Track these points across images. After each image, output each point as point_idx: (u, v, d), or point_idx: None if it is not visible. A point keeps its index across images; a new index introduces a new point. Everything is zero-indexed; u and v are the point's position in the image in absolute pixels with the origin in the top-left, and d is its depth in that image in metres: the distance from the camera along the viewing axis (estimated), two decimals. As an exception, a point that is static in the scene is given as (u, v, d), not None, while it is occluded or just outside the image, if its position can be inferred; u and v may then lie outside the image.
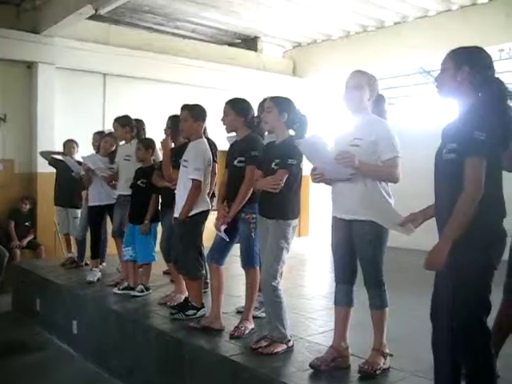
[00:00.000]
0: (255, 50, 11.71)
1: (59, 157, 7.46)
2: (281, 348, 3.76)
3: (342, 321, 3.51)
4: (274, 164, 3.73)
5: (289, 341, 3.83)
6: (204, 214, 4.59)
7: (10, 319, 6.97)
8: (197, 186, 4.50)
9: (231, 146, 4.36)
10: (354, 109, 3.43)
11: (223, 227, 4.14)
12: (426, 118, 13.28)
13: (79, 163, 6.90)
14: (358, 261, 3.41)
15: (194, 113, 4.66)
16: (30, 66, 9.09)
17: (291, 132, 3.90)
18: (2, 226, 8.77)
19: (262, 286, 3.87)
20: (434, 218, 2.82)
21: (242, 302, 4.43)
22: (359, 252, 3.37)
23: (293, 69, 12.29)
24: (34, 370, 5.18)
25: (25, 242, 8.88)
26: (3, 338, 6.15)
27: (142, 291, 5.50)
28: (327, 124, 9.62)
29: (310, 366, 3.44)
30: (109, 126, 6.49)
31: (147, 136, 6.07)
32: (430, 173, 2.79)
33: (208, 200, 4.66)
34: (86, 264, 7.00)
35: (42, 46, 8.94)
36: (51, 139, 8.68)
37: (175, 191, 4.72)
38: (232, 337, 4.10)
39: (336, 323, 3.55)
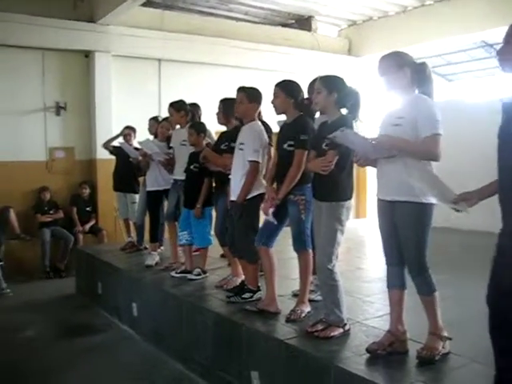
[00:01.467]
0: (309, 29, 11.56)
1: (117, 143, 7.60)
2: (337, 332, 3.71)
3: (397, 304, 3.42)
4: (324, 145, 3.66)
5: (345, 324, 3.78)
6: (261, 197, 4.56)
7: (75, 302, 7.21)
8: (255, 168, 4.47)
9: (281, 128, 4.32)
10: (395, 90, 3.33)
11: (271, 210, 4.11)
12: (487, 93, 12.78)
13: (137, 149, 7.02)
14: (401, 244, 3.30)
15: (250, 95, 4.62)
16: (88, 55, 9.31)
17: (344, 111, 3.81)
18: (65, 212, 9.07)
19: (318, 270, 3.83)
20: (490, 198, 2.68)
21: (298, 285, 4.39)
22: (401, 234, 3.27)
23: (348, 48, 12.07)
24: (98, 350, 5.36)
25: (87, 227, 9.16)
26: (68, 319, 6.40)
27: (199, 274, 5.55)
28: (384, 104, 9.40)
29: (367, 350, 3.39)
30: (164, 112, 6.55)
31: (202, 120, 6.08)
32: (489, 149, 2.64)
33: (264, 182, 4.62)
34: (145, 248, 7.14)
35: (98, 35, 9.12)
36: (109, 126, 8.87)
37: (229, 175, 4.71)
38: (288, 320, 4.08)
39: (391, 307, 3.47)
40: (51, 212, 8.91)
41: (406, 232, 3.24)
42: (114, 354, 5.25)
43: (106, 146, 7.73)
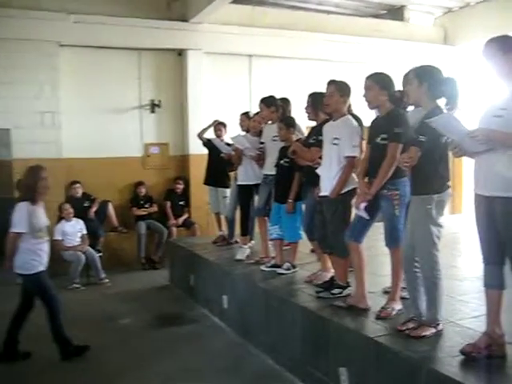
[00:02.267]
0: (401, 19, 11.23)
1: (208, 136, 7.74)
2: (429, 331, 3.59)
3: (494, 305, 3.23)
4: (408, 140, 3.56)
5: (438, 324, 3.64)
6: (353, 192, 4.49)
7: (168, 293, 7.47)
8: (352, 164, 4.42)
9: (373, 122, 4.22)
10: (500, 77, 3.13)
11: (363, 205, 4.03)
12: None
13: (228, 144, 7.13)
14: (502, 243, 3.11)
15: (341, 88, 4.56)
16: (181, 53, 9.57)
17: (442, 102, 3.63)
18: (159, 206, 9.39)
19: (405, 266, 3.72)
20: None
21: (388, 282, 4.29)
22: (502, 232, 3.08)
23: (443, 37, 11.59)
24: (188, 340, 5.51)
25: (180, 220, 9.43)
26: (162, 309, 6.63)
27: (289, 269, 5.56)
28: (482, 94, 8.96)
29: (461, 352, 3.24)
30: (255, 107, 6.60)
31: (293, 115, 6.06)
32: None
33: (356, 177, 4.54)
34: (236, 242, 7.24)
35: (191, 33, 9.34)
36: (201, 122, 9.05)
37: (316, 170, 4.68)
38: (378, 317, 4.00)
39: (488, 307, 3.29)
40: (146, 206, 9.26)
41: (508, 231, 3.05)
42: (204, 344, 5.38)
43: (200, 136, 7.84)
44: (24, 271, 4.92)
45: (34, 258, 4.90)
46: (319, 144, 4.73)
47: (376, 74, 4.15)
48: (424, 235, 3.55)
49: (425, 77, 3.60)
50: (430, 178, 3.55)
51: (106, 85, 9.09)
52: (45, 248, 5.04)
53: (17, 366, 4.91)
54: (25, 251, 4.87)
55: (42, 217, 4.99)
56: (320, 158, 4.75)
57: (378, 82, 4.06)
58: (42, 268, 4.98)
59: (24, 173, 5.07)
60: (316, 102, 5.04)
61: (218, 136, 7.60)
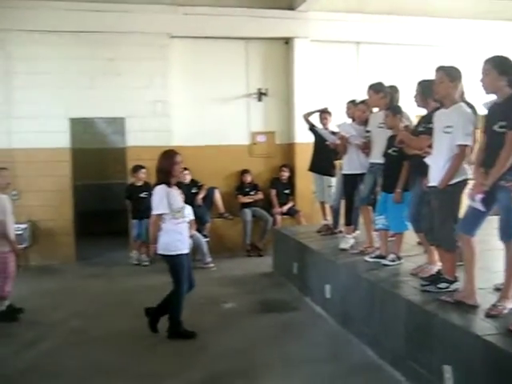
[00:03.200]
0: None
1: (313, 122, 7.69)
2: (545, 333, 3.36)
3: None
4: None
5: (554, 326, 3.40)
6: (464, 183, 4.28)
7: (271, 279, 7.56)
8: (463, 153, 4.21)
9: (490, 109, 3.98)
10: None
11: (480, 196, 3.82)
12: None
13: (333, 133, 7.05)
14: None
15: (450, 74, 4.34)
16: (288, 42, 9.58)
17: None
18: (265, 194, 9.50)
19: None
20: None
21: (501, 279, 4.06)
22: None
23: None
24: (290, 327, 5.55)
25: (285, 208, 9.49)
26: (265, 296, 6.72)
27: (393, 260, 5.43)
28: None
29: None
30: (362, 94, 6.47)
31: (401, 103, 5.88)
32: None
33: (467, 168, 4.33)
34: (340, 231, 7.18)
35: (298, 22, 9.33)
36: (307, 110, 9.02)
37: (425, 159, 4.51)
38: (488, 315, 3.79)
39: None
40: (252, 193, 9.40)
41: None
42: (305, 332, 5.39)
43: (306, 117, 7.76)
44: (167, 252, 5.17)
45: (178, 238, 5.17)
46: (429, 132, 4.54)
47: (495, 57, 3.90)
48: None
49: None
50: None
51: (214, 74, 9.32)
52: (185, 228, 5.31)
53: (135, 339, 5.26)
54: (167, 232, 5.14)
55: (178, 198, 5.25)
56: (429, 146, 4.57)
57: (496, 67, 3.82)
58: (184, 250, 5.24)
59: (159, 157, 5.31)
60: (425, 90, 4.85)
61: (324, 124, 7.54)
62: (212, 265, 8.20)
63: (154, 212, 5.12)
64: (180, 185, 8.61)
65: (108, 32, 8.69)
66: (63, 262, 8.66)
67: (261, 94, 9.54)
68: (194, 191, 8.95)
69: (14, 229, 6.17)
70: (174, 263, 5.19)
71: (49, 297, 6.77)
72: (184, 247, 5.22)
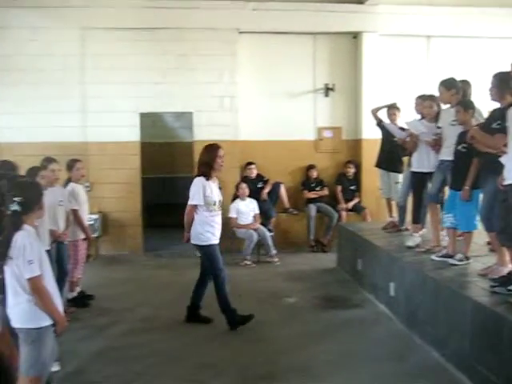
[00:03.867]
0: None
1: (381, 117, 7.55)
2: None
3: None
4: None
5: None
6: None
7: (335, 275, 7.52)
8: None
9: None
10: None
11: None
12: None
13: (402, 129, 6.92)
14: None
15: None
16: (356, 36, 9.47)
17: None
18: (330, 190, 9.44)
19: None
20: None
21: None
22: None
23: None
24: (353, 324, 5.51)
25: (350, 204, 9.40)
26: (327, 292, 6.70)
27: (461, 260, 5.27)
28: None
29: None
30: (432, 90, 6.31)
31: (474, 98, 5.69)
32: None
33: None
34: (406, 229, 7.04)
35: (367, 16, 9.21)
36: (375, 106, 8.90)
37: (500, 158, 4.34)
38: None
39: None
40: (317, 189, 9.37)
41: None
42: (368, 330, 5.33)
43: (374, 112, 7.61)
44: (199, 242, 5.35)
45: (208, 229, 5.32)
46: (504, 130, 4.36)
47: None
48: None
49: None
50: None
51: (280, 69, 9.34)
52: (218, 221, 5.43)
53: (198, 329, 5.40)
54: (200, 223, 5.32)
55: (214, 191, 5.38)
56: (504, 145, 4.39)
57: None
58: (215, 241, 5.37)
59: (202, 150, 5.49)
60: (502, 83, 4.64)
61: (392, 120, 7.39)
62: (276, 259, 8.25)
63: (190, 202, 5.32)
64: (246, 179, 8.80)
65: (179, 28, 8.91)
66: (131, 252, 8.94)
67: (328, 89, 9.48)
68: (259, 186, 9.02)
69: (87, 218, 6.45)
70: (205, 252, 5.39)
71: (118, 285, 7.00)
72: (215, 238, 5.38)
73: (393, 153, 7.29)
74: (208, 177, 5.33)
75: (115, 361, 4.68)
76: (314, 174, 9.43)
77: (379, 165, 7.61)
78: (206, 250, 5.38)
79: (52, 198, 5.37)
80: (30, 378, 3.11)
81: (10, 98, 8.83)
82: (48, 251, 5.10)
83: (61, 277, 5.53)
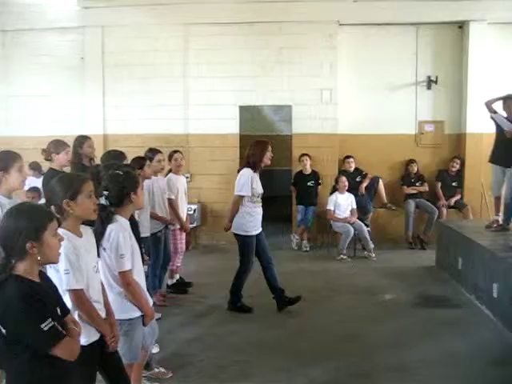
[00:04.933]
0: None
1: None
2: None
3: None
4: None
5: None
6: None
7: (433, 274, 7.28)
8: None
9: None
10: None
11: None
12: None
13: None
14: None
15: None
16: (462, 26, 9.07)
17: None
18: (430, 185, 9.14)
19: None
20: None
21: None
22: None
23: None
24: (452, 324, 5.31)
25: (452, 201, 9.06)
26: (425, 290, 6.50)
27: None
28: None
29: None
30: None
31: None
32: None
33: None
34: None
35: (474, 3, 8.81)
36: (482, 99, 8.50)
37: None
38: None
39: None
40: (417, 184, 9.10)
41: None
42: (468, 332, 5.12)
43: (488, 105, 7.16)
44: (239, 231, 5.58)
45: (251, 220, 5.54)
46: None
47: None
48: None
49: None
50: None
51: (381, 61, 9.14)
52: (260, 212, 5.67)
53: (292, 320, 5.44)
54: (244, 214, 5.54)
55: (259, 184, 5.62)
56: None
57: None
58: (255, 231, 5.58)
59: (251, 144, 5.73)
60: None
61: (508, 113, 6.94)
62: (373, 255, 8.13)
63: (237, 193, 5.53)
64: (344, 173, 8.70)
65: (279, 22, 8.96)
66: (229, 242, 9.11)
67: (430, 82, 9.15)
68: (357, 180, 8.91)
69: (186, 208, 6.66)
70: (243, 242, 5.60)
71: (215, 274, 7.19)
72: (256, 229, 5.59)
73: (505, 146, 6.83)
74: (256, 169, 5.55)
75: (211, 346, 4.83)
76: (415, 168, 9.14)
77: (493, 160, 7.12)
78: (244, 240, 5.60)
79: (158, 187, 5.70)
80: (126, 364, 3.25)
81: (117, 92, 9.33)
82: (153, 235, 5.43)
83: (164, 262, 5.82)
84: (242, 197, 5.52)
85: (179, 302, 6.04)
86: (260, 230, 5.68)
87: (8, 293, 2.11)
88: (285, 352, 4.68)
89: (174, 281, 6.53)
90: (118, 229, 3.16)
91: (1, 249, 2.18)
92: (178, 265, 6.56)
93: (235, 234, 5.65)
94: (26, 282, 2.17)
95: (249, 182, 5.47)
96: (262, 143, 5.68)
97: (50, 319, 2.13)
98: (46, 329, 2.10)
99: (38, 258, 2.21)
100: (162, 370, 4.22)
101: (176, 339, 4.95)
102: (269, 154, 5.59)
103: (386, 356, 4.59)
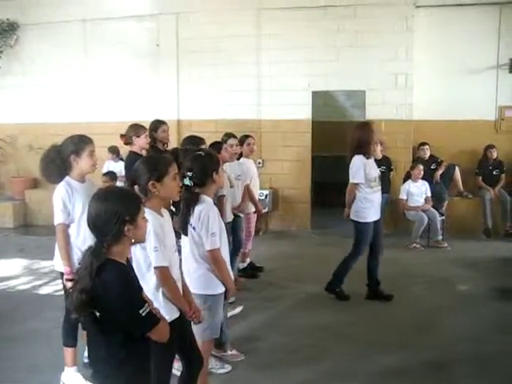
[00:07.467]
0: None
1: None
2: None
3: None
4: None
5: None
6: None
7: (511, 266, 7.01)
8: None
9: None
10: None
11: None
12: None
13: None
14: None
15: None
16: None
17: None
18: (510, 174, 8.77)
19: None
20: None
21: None
22: None
23: None
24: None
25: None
26: (503, 282, 6.27)
27: None
28: None
29: None
30: None
31: None
32: None
33: None
34: None
35: None
36: None
37: None
38: None
39: None
40: (495, 173, 8.73)
41: None
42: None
43: None
44: (357, 218, 5.48)
45: (368, 206, 5.42)
46: None
47: None
48: None
49: None
50: None
51: (460, 44, 8.78)
52: (378, 196, 5.54)
53: (364, 307, 5.39)
54: (361, 200, 5.44)
55: (373, 167, 5.48)
56: None
57: None
58: (373, 219, 5.44)
59: (355, 129, 5.57)
60: None
61: None
62: (445, 244, 7.89)
63: (351, 181, 5.43)
64: (418, 160, 8.47)
65: (353, 5, 8.77)
66: (299, 228, 9.13)
67: (512, 65, 8.73)
68: (432, 167, 8.64)
69: (258, 193, 6.70)
70: (359, 229, 5.50)
71: (285, 259, 7.22)
72: (373, 216, 5.45)
73: None
74: (368, 155, 5.41)
75: (282, 331, 4.86)
76: (494, 154, 8.70)
77: None
78: (360, 227, 5.49)
79: (231, 172, 5.72)
80: (204, 340, 3.35)
81: (191, 78, 9.47)
82: (229, 223, 5.50)
83: (235, 248, 5.88)
84: (357, 184, 5.46)
85: (250, 286, 6.09)
86: (378, 216, 5.57)
87: (108, 277, 2.14)
88: (359, 339, 4.66)
89: (245, 265, 6.59)
90: (208, 208, 3.26)
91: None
92: (249, 248, 6.62)
93: (352, 221, 5.59)
94: (123, 267, 2.23)
95: (361, 169, 5.37)
96: (366, 127, 5.54)
97: (146, 304, 2.19)
98: (144, 314, 2.16)
99: (132, 240, 2.28)
100: (235, 352, 4.29)
101: (247, 323, 5.01)
102: (376, 136, 5.53)
103: (461, 347, 4.48)
